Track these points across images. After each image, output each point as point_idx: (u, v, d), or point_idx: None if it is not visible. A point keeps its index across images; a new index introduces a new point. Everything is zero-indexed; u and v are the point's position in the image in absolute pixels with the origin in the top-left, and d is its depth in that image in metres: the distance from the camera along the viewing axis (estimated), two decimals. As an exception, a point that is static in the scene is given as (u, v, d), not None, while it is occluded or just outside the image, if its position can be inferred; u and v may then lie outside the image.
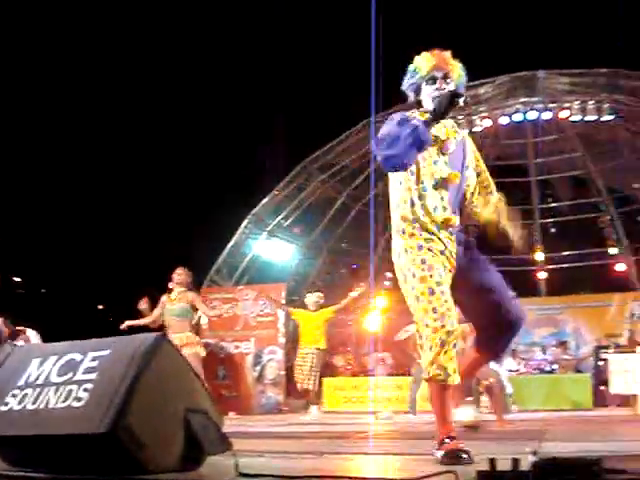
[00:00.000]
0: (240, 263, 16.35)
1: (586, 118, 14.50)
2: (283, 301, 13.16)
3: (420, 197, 3.29)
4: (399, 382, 13.33)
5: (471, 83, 11.86)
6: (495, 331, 3.37)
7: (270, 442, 5.15)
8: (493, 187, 3.68)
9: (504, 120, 14.96)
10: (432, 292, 3.16)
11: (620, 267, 17.24)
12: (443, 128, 3.33)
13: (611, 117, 14.37)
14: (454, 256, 3.30)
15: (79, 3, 20.54)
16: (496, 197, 3.62)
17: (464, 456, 2.91)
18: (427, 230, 3.27)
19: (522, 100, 14.82)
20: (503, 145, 17.12)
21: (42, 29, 20.92)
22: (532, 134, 16.72)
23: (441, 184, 3.29)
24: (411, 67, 3.44)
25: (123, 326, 8.58)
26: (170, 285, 8.79)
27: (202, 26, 22.61)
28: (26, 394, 2.68)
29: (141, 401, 2.46)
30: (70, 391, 2.58)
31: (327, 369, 15.70)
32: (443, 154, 3.32)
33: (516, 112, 14.81)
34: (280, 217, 16.52)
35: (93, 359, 2.66)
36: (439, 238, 3.27)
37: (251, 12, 21.92)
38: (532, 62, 14.73)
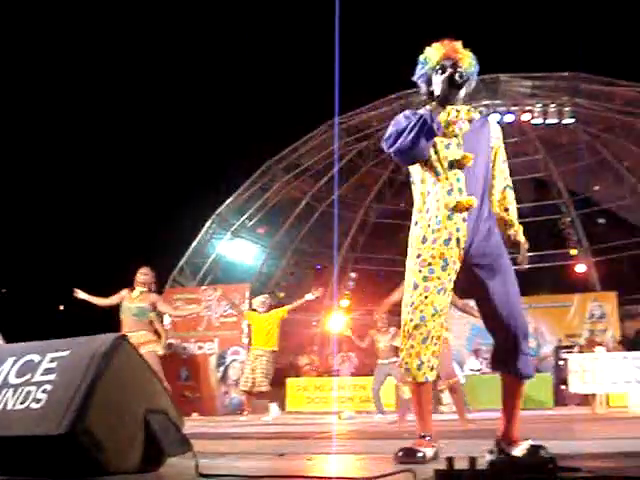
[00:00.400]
0: (204, 263, 16.30)
1: (547, 121, 14.73)
2: (247, 301, 13.08)
3: (435, 182, 3.24)
4: (362, 382, 13.38)
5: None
6: (499, 339, 3.20)
7: (231, 443, 5.14)
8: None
9: (466, 122, 15.09)
10: (415, 286, 3.15)
11: (580, 268, 17.50)
12: (454, 112, 3.29)
13: (572, 120, 14.61)
14: (461, 245, 3.17)
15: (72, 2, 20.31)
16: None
17: (419, 455, 2.97)
18: (434, 216, 3.20)
19: (484, 103, 15.01)
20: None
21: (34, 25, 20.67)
22: (494, 136, 16.88)
23: (455, 166, 3.23)
24: (421, 57, 3.39)
25: (78, 295, 8.38)
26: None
27: (162, 30, 22.49)
28: (-16, 396, 2.65)
29: (101, 402, 2.45)
30: (29, 392, 2.56)
31: (291, 369, 15.72)
32: (455, 136, 3.27)
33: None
34: (244, 217, 16.49)
35: (52, 360, 2.65)
36: (445, 227, 3.17)
37: (213, 15, 21.83)
38: (494, 65, 14.89)
